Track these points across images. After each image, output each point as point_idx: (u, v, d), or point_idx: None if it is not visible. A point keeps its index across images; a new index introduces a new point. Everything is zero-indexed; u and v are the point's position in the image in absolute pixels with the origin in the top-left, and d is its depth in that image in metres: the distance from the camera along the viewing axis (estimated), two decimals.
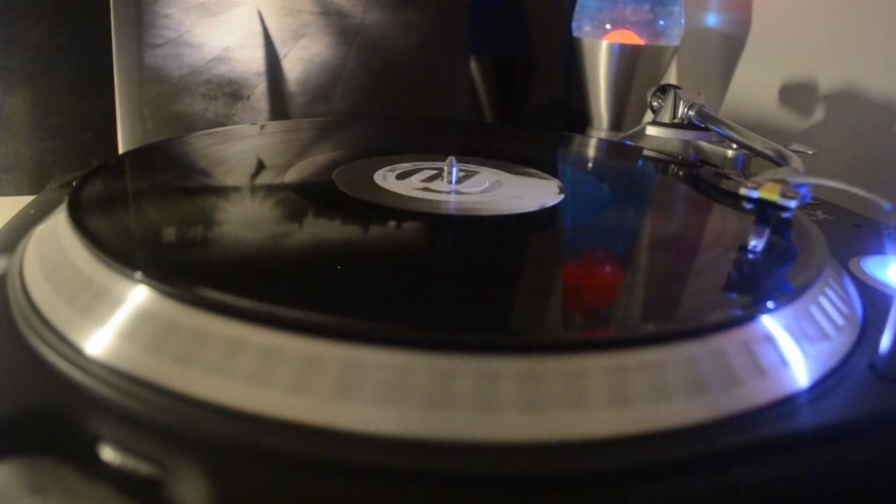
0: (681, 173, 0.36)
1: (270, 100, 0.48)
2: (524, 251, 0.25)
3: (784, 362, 0.19)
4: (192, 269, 0.21)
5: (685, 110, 0.39)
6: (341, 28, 0.50)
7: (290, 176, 0.30)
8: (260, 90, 0.47)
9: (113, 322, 0.18)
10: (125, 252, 0.21)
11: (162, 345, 0.17)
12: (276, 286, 0.20)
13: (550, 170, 0.34)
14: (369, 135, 0.42)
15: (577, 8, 0.52)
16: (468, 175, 0.32)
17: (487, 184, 0.31)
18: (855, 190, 0.24)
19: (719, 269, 0.23)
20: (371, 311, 0.18)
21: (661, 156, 0.39)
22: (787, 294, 0.20)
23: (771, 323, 0.19)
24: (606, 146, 0.43)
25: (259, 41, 0.47)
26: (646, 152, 0.39)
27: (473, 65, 0.58)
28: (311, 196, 0.28)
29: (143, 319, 0.18)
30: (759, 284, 0.22)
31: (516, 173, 0.33)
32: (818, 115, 0.47)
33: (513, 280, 0.22)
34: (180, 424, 0.16)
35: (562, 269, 0.24)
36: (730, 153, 0.37)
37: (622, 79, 0.51)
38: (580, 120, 0.55)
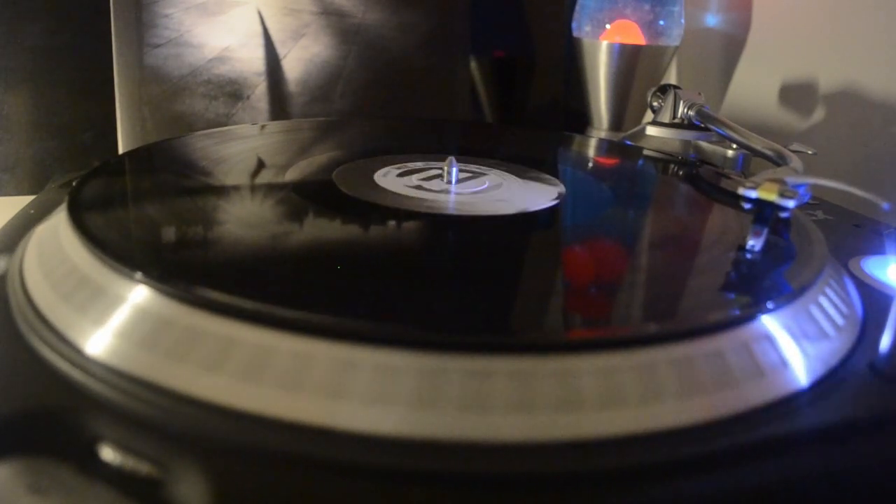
0: (681, 173, 0.36)
1: (270, 100, 0.48)
2: (525, 251, 0.25)
3: (784, 362, 0.19)
4: (191, 268, 0.21)
5: (685, 110, 0.39)
6: (341, 28, 0.50)
7: (290, 176, 0.30)
8: (260, 90, 0.47)
9: (113, 322, 0.18)
10: (125, 252, 0.21)
11: (162, 344, 0.17)
12: (275, 286, 0.20)
13: (551, 170, 0.34)
14: (369, 135, 0.42)
15: (577, 8, 0.52)
16: (468, 175, 0.32)
17: (487, 184, 0.31)
18: (853, 190, 0.24)
19: (719, 268, 0.23)
20: (371, 312, 0.18)
21: (661, 156, 0.39)
22: (787, 294, 0.20)
23: (771, 323, 0.19)
24: (606, 146, 0.43)
25: (259, 41, 0.47)
26: (646, 152, 0.39)
27: (473, 65, 0.58)
28: (311, 196, 0.28)
29: (142, 319, 0.18)
30: (759, 284, 0.22)
31: (516, 173, 0.33)
32: (818, 115, 0.47)
33: (512, 280, 0.22)
34: (180, 424, 0.16)
35: (561, 269, 0.24)
36: (730, 153, 0.37)
37: (622, 79, 0.51)
38: (580, 120, 0.55)
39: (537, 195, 0.30)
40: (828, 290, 0.22)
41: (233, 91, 0.47)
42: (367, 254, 0.23)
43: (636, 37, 0.50)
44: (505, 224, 0.27)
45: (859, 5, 0.44)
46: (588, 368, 0.17)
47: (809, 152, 0.34)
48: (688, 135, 0.39)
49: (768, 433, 0.17)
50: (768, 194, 0.24)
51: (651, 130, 0.40)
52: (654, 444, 0.16)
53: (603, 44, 0.50)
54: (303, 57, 0.49)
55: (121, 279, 0.19)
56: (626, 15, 0.50)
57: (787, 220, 0.26)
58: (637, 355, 0.17)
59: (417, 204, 0.27)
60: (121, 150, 0.44)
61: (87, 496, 0.14)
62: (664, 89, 0.42)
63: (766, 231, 0.24)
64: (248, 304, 0.17)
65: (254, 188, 0.29)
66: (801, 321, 0.20)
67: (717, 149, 0.38)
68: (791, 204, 0.23)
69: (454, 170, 0.30)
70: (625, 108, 0.52)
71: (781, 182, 0.24)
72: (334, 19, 0.49)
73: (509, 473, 0.15)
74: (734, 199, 0.27)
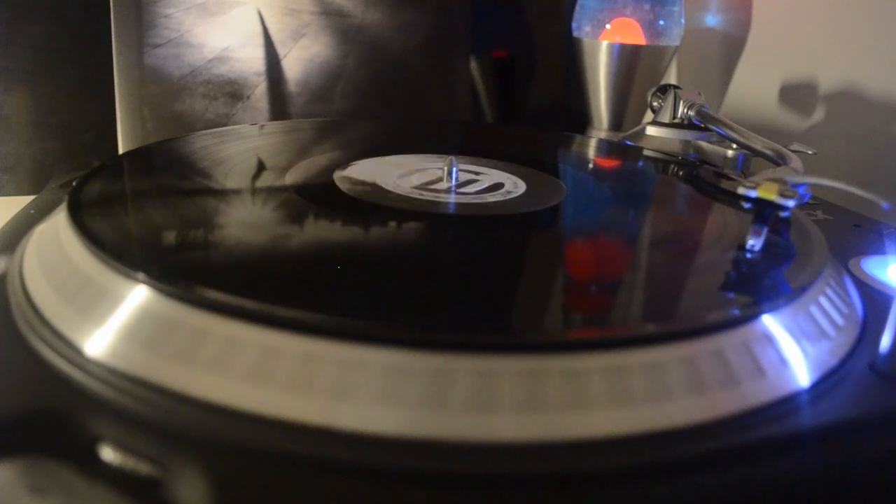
0: (681, 173, 0.36)
1: (270, 100, 0.48)
2: (524, 251, 0.25)
3: (784, 362, 0.19)
4: (191, 268, 0.21)
5: (685, 110, 0.39)
6: (341, 28, 0.50)
7: (291, 176, 0.30)
8: (260, 90, 0.47)
9: (113, 322, 0.18)
10: (125, 252, 0.21)
11: (162, 344, 0.17)
12: (276, 286, 0.20)
13: (551, 170, 0.34)
14: (369, 135, 0.42)
15: (577, 8, 0.52)
16: (468, 175, 0.32)
17: (487, 184, 0.31)
18: (853, 189, 0.24)
19: (719, 268, 0.23)
20: (371, 312, 0.18)
21: (661, 156, 0.39)
22: (787, 294, 0.20)
23: (771, 322, 0.19)
24: (606, 146, 0.43)
25: (259, 41, 0.47)
26: (646, 152, 0.39)
27: (473, 65, 0.58)
28: (312, 196, 0.28)
29: (142, 319, 0.18)
30: (759, 284, 0.22)
31: (516, 173, 0.33)
32: (818, 115, 0.47)
33: (513, 280, 0.22)
34: (180, 424, 0.16)
35: (561, 269, 0.24)
36: (730, 153, 0.37)
37: (622, 79, 0.51)
38: (580, 120, 0.55)
39: (538, 196, 0.30)
40: (828, 290, 0.22)
41: (233, 91, 0.47)
42: (368, 254, 0.23)
43: (636, 35, 0.50)
44: (505, 224, 0.27)
45: (859, 5, 0.44)
46: (587, 368, 0.17)
47: (809, 152, 0.34)
48: (688, 135, 0.39)
49: (768, 433, 0.17)
50: (768, 194, 0.24)
51: (651, 130, 0.40)
52: (653, 444, 0.16)
53: (603, 44, 0.50)
54: (303, 57, 0.49)
55: (121, 279, 0.19)
56: (627, 15, 0.50)
57: (786, 220, 0.26)
58: (637, 355, 0.17)
59: (418, 204, 0.27)
60: (121, 150, 0.44)
61: (87, 496, 0.14)
62: (664, 89, 0.42)
63: (765, 231, 0.24)
64: (249, 305, 0.17)
65: (254, 189, 0.29)
66: (801, 321, 0.20)
67: (717, 149, 0.38)
68: (791, 203, 0.23)
69: (454, 170, 0.30)
70: (625, 108, 0.52)
71: (781, 182, 0.24)
72: (334, 19, 0.49)
73: (510, 474, 0.15)
74: (734, 199, 0.27)
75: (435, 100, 0.53)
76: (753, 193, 0.24)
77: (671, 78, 0.61)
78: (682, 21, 0.51)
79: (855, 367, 0.20)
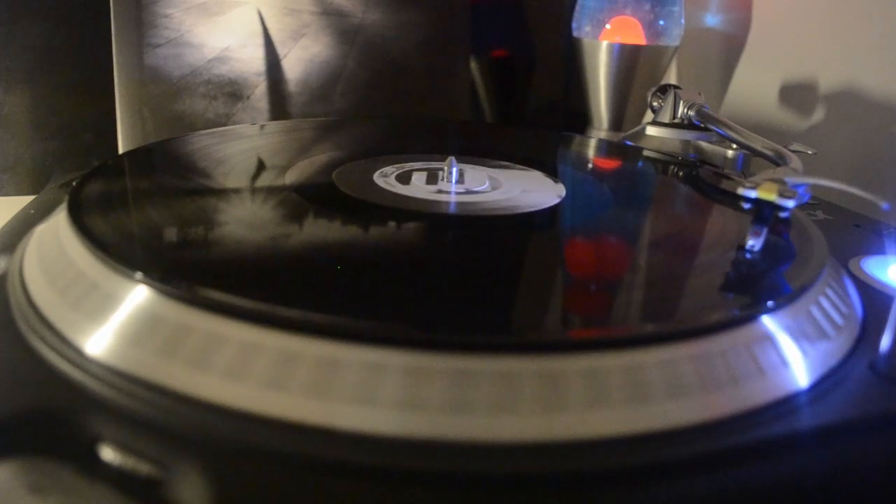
0: (681, 173, 0.36)
1: (270, 100, 0.48)
2: (524, 251, 0.25)
3: (784, 362, 0.19)
4: (191, 269, 0.21)
5: (685, 110, 0.39)
6: (341, 28, 0.50)
7: (291, 176, 0.30)
8: (260, 90, 0.47)
9: (113, 322, 0.18)
10: (125, 252, 0.21)
11: (161, 345, 0.17)
12: (276, 286, 0.20)
13: (550, 170, 0.34)
14: (369, 135, 0.42)
15: (577, 8, 0.52)
16: (468, 175, 0.32)
17: (487, 184, 0.31)
18: (853, 190, 0.24)
19: (719, 269, 0.23)
20: (371, 312, 0.18)
21: (661, 156, 0.39)
22: (787, 294, 0.20)
23: (771, 323, 0.19)
24: (606, 146, 0.43)
25: (259, 41, 0.47)
26: (646, 152, 0.39)
27: (473, 65, 0.58)
28: (312, 196, 0.28)
29: (142, 319, 0.18)
30: (759, 284, 0.22)
31: (516, 173, 0.33)
32: (818, 115, 0.47)
33: (512, 280, 0.22)
34: (180, 424, 0.16)
35: (560, 270, 0.24)
36: (730, 153, 0.37)
37: (622, 79, 0.51)
38: (580, 120, 0.55)
39: (537, 196, 0.30)
40: (828, 291, 0.22)
41: (233, 91, 0.47)
42: (367, 254, 0.23)
43: (636, 34, 0.50)
44: (505, 224, 0.27)
45: (859, 5, 0.44)
46: (587, 368, 0.17)
47: (809, 152, 0.34)
48: (688, 135, 0.39)
49: (768, 433, 0.17)
50: (768, 194, 0.24)
51: (651, 130, 0.40)
52: (654, 444, 0.16)
53: (603, 44, 0.50)
54: (303, 57, 0.49)
55: (121, 279, 0.19)
56: (627, 14, 0.50)
57: (786, 220, 0.26)
58: (637, 355, 0.17)
59: (417, 204, 0.27)
60: (121, 150, 0.44)
61: (87, 496, 0.14)
62: (664, 89, 0.42)
63: (765, 231, 0.24)
64: (248, 305, 0.17)
65: (254, 188, 0.29)
66: (801, 321, 0.20)
67: (717, 149, 0.38)
68: (791, 204, 0.23)
69: (454, 170, 0.30)
70: (625, 108, 0.52)
71: (781, 182, 0.24)
72: (334, 19, 0.49)
73: (509, 474, 0.15)
74: (734, 200, 0.27)
75: (435, 100, 0.53)
76: (753, 194, 0.24)
77: (671, 78, 0.61)
78: (682, 21, 0.51)
79: (855, 368, 0.20)
